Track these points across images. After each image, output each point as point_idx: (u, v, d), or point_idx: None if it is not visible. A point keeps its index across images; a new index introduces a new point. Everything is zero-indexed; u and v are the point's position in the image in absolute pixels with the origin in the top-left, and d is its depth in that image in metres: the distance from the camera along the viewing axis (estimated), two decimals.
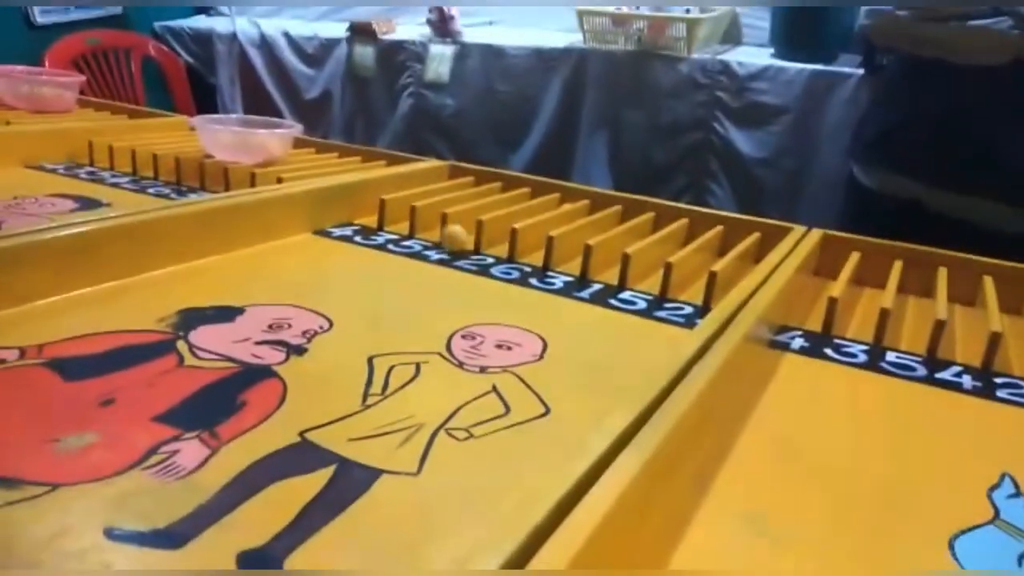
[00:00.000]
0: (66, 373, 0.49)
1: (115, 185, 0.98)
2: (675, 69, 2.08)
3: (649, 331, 0.65)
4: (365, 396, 0.49)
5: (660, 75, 2.10)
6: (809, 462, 0.47)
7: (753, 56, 2.07)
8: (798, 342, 0.65)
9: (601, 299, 0.71)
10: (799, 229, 0.84)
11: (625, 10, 2.17)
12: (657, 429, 0.38)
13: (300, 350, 0.55)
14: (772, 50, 2.10)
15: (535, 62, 2.29)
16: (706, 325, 0.54)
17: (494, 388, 0.51)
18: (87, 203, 0.88)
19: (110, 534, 0.35)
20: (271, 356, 0.53)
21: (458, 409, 0.48)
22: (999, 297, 0.69)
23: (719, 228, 0.86)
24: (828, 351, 0.63)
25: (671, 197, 2.20)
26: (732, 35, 2.33)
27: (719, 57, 2.06)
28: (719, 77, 2.04)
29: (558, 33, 2.40)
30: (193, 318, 0.59)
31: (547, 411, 0.49)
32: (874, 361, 0.62)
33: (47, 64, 2.49)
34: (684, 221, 0.88)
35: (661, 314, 0.68)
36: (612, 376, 0.57)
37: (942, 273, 0.76)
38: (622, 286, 0.74)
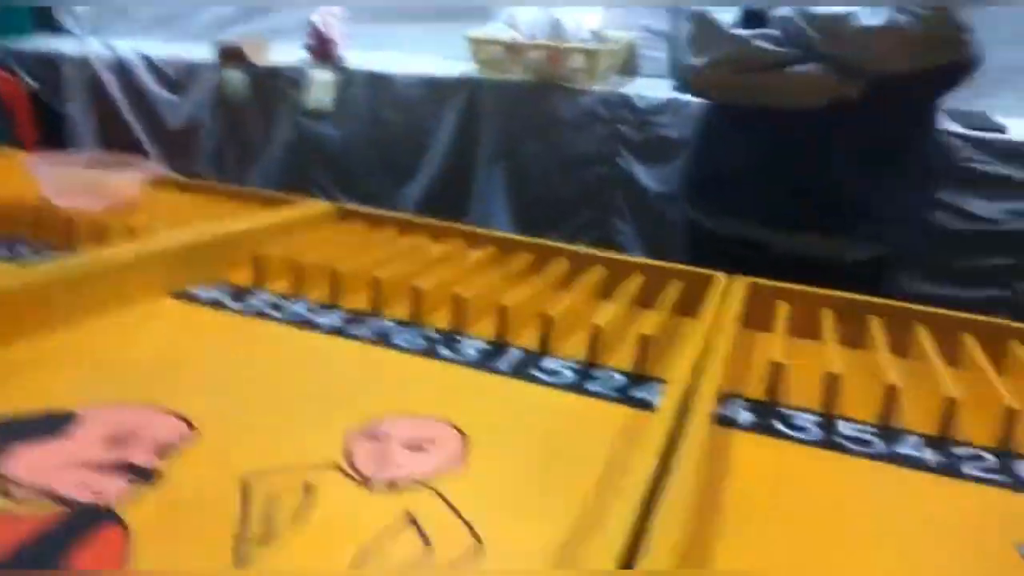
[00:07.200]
0: None
1: None
2: (575, 102, 2.03)
3: (586, 412, 0.56)
4: (239, 545, 0.37)
5: (560, 107, 2.04)
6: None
7: (653, 89, 2.04)
8: (745, 416, 0.57)
9: (522, 370, 0.61)
10: (721, 277, 0.77)
11: (519, 39, 2.10)
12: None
13: (149, 475, 0.42)
14: (672, 82, 2.08)
15: (426, 91, 2.18)
16: (665, 409, 0.46)
17: (408, 515, 0.40)
18: None
19: None
20: (110, 487, 0.40)
21: (364, 554, 0.37)
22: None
23: (640, 279, 0.78)
24: (778, 424, 0.56)
25: (574, 232, 2.15)
26: (630, 66, 2.30)
27: (619, 91, 2.03)
28: (620, 111, 1.99)
29: (450, 60, 2.30)
30: (7, 433, 0.45)
31: (478, 543, 0.39)
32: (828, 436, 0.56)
33: None
34: (602, 270, 0.80)
35: (593, 388, 0.59)
36: (559, 482, 0.46)
37: (875, 323, 0.71)
38: (544, 351, 0.65)
